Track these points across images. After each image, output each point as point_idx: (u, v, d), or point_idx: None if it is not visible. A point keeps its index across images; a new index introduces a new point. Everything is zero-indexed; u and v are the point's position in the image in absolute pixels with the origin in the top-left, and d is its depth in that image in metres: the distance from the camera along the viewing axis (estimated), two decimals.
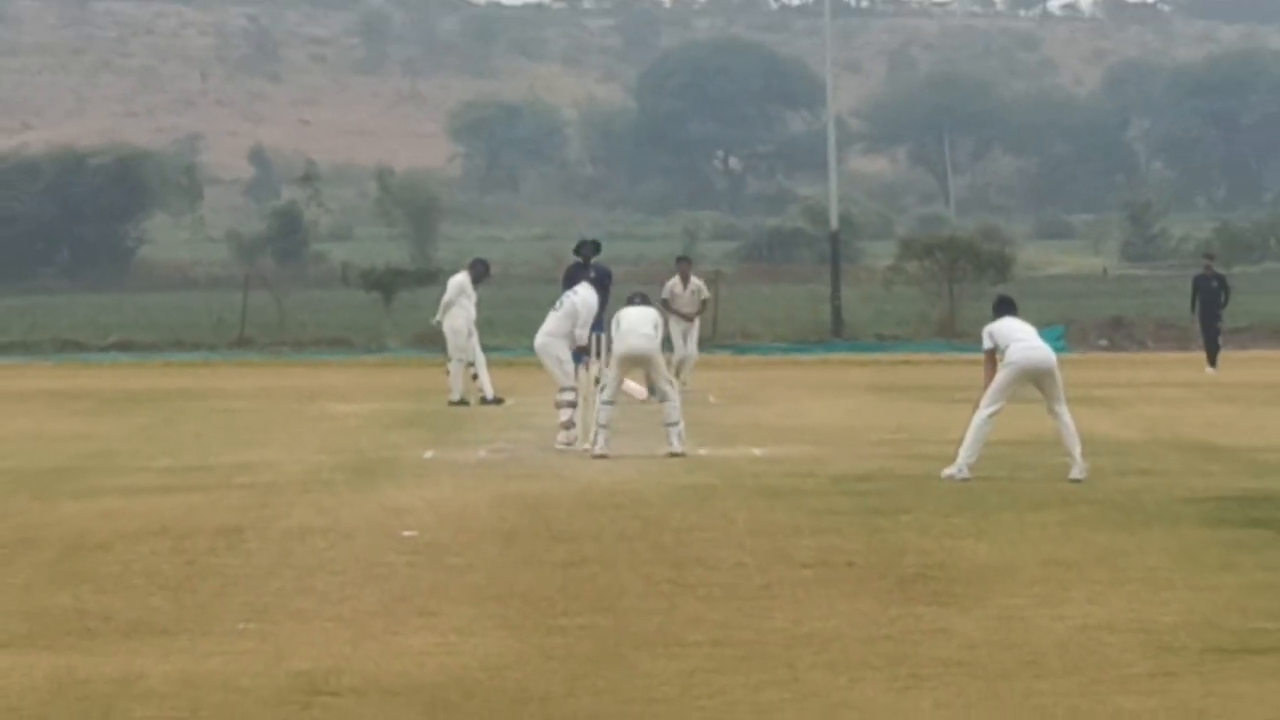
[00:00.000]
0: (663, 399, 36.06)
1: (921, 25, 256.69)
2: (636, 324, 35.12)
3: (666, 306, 48.93)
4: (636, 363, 35.13)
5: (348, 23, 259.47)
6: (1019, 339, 31.22)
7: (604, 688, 16.03)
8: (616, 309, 39.82)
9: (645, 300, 38.05)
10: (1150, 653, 17.25)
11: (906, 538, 24.17)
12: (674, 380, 37.97)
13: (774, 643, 18.05)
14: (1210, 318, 62.60)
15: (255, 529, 25.50)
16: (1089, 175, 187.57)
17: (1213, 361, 60.38)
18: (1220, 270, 70.29)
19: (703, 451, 34.73)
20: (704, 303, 50.38)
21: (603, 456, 33.93)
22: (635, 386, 37.54)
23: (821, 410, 43.18)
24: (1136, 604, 19.79)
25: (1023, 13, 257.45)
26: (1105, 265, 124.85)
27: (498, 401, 44.60)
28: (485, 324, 46.11)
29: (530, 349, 41.63)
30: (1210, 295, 63.49)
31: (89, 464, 33.84)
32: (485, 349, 46.02)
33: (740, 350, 67.92)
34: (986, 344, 31.29)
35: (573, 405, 36.19)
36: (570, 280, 40.08)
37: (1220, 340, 61.88)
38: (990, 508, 26.39)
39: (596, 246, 44.90)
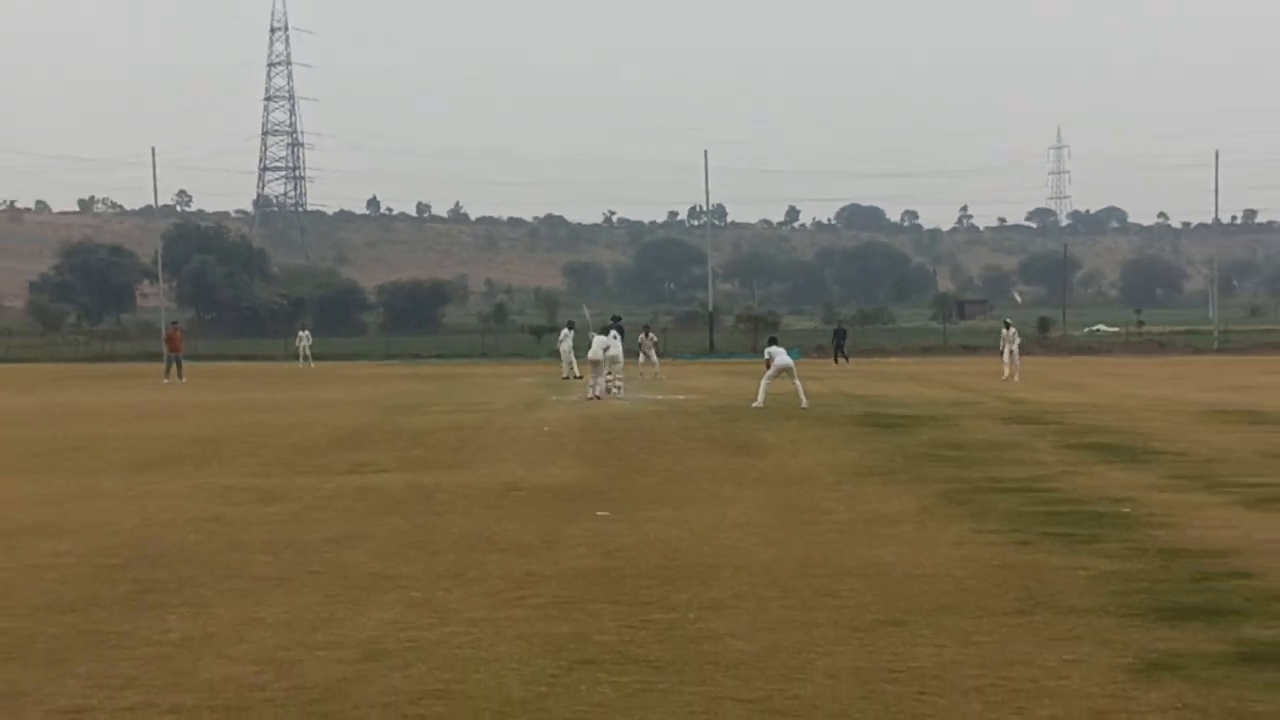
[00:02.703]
0: (612, 379, 35.59)
1: (744, 232, 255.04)
2: (596, 345, 34.67)
3: (640, 347, 48.36)
4: (595, 363, 34.86)
5: (522, 233, 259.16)
6: (779, 352, 31.16)
7: (623, 486, 16.18)
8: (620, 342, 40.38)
9: (606, 332, 36.45)
10: (835, 476, 17.21)
11: (738, 430, 24.04)
12: (622, 374, 37.01)
13: (687, 471, 18.08)
14: (840, 345, 62.41)
15: (487, 428, 25.42)
16: (809, 291, 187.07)
17: (842, 360, 59.92)
18: (846, 327, 71.37)
19: (659, 396, 34.57)
20: (655, 345, 49.79)
21: (620, 399, 33.79)
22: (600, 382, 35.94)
23: (706, 381, 43.12)
24: (828, 457, 19.62)
25: (783, 227, 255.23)
26: (815, 324, 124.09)
27: (579, 378, 44.31)
28: (575, 346, 46.05)
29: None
30: (842, 336, 63.75)
31: (421, 402, 33.76)
32: (576, 356, 45.89)
33: (675, 357, 67.93)
34: (765, 355, 31.17)
35: (610, 380, 36.03)
36: (604, 331, 39.85)
37: (848, 355, 61.79)
38: (770, 420, 26.24)
39: (619, 318, 45.33)
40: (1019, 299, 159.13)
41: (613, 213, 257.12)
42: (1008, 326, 47.18)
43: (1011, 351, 44.38)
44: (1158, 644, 8.27)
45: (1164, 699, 7.13)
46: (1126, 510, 13.85)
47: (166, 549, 12.07)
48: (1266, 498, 14.73)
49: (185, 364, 50.68)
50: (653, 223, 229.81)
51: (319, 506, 14.83)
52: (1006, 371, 43.42)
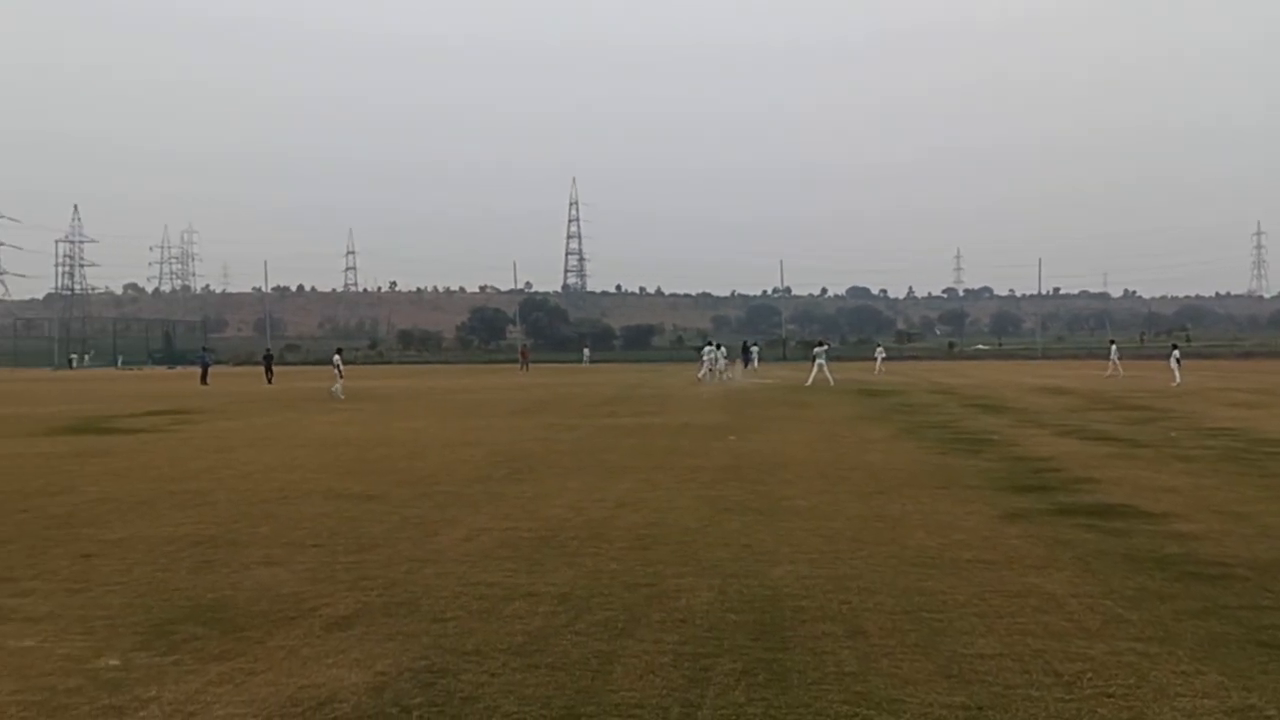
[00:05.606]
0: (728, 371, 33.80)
1: (800, 300, 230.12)
2: (705, 355, 32.17)
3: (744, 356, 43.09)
4: (706, 361, 32.66)
5: (690, 301, 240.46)
6: (820, 352, 29.98)
7: (742, 423, 15.54)
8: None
9: (734, 347, 34.99)
10: (846, 419, 16.38)
11: (796, 397, 22.98)
12: (738, 371, 35.15)
13: (772, 416, 17.33)
14: (751, 354, 53.98)
15: (672, 395, 24.74)
16: (832, 330, 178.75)
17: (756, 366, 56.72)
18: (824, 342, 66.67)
19: (758, 381, 33.21)
20: (759, 355, 44.97)
21: (738, 383, 32.41)
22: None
23: (781, 373, 41.67)
24: (843, 410, 18.60)
25: (819, 297, 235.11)
26: (830, 347, 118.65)
27: (714, 370, 41.77)
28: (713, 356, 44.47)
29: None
30: (748, 348, 55.06)
31: (639, 383, 33.18)
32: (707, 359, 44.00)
33: (767, 361, 65.33)
34: (813, 353, 29.74)
35: (727, 372, 34.75)
36: (739, 346, 38.13)
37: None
38: (813, 391, 25.03)
39: (749, 341, 42.18)
40: (938, 333, 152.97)
41: (734, 289, 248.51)
42: (879, 346, 49.30)
43: (882, 359, 45.17)
44: (1013, 504, 7.91)
45: (1018, 531, 6.84)
46: (996, 437, 13.21)
47: (523, 452, 12.20)
48: (1067, 431, 14.01)
49: (530, 365, 52.49)
50: (756, 295, 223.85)
51: (593, 433, 14.82)
52: (878, 370, 41.99)
